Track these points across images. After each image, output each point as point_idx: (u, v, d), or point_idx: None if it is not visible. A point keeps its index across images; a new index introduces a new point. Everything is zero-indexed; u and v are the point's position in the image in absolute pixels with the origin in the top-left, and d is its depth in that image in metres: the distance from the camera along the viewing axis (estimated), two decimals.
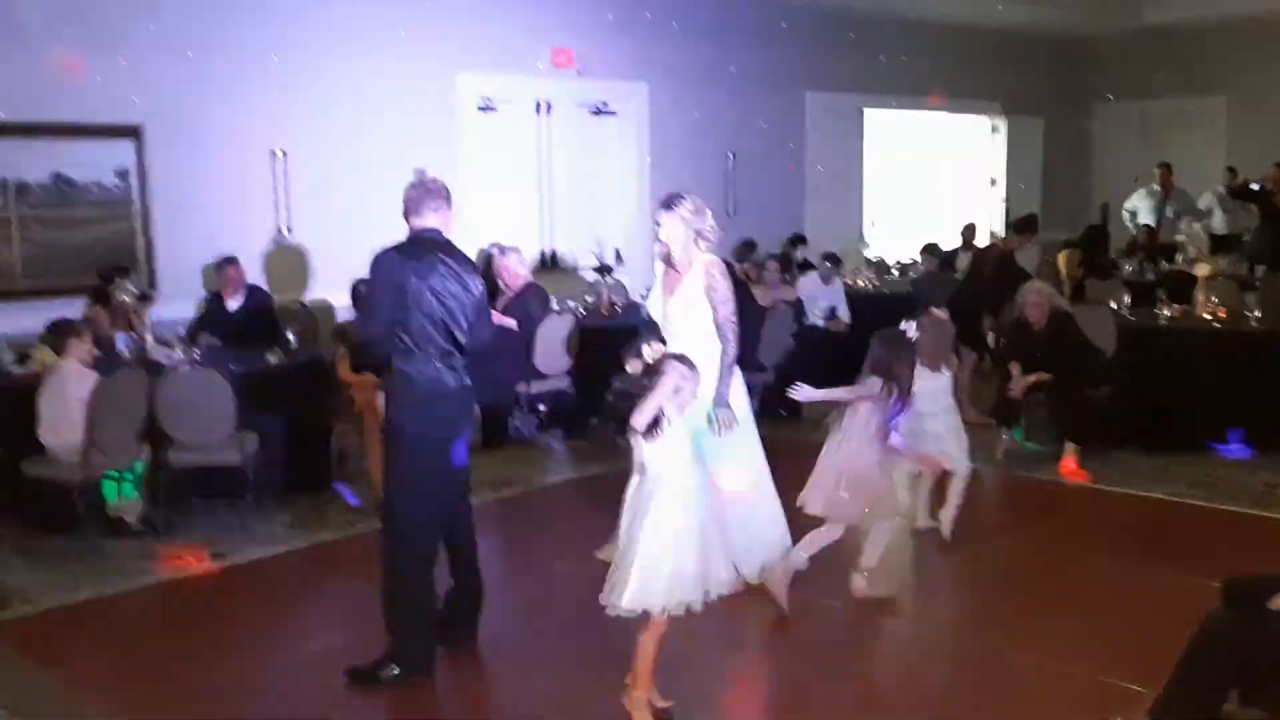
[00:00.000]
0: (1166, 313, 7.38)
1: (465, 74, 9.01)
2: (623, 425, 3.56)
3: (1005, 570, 5.24)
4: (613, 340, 5.17)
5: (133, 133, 7.44)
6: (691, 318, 4.78)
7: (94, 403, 5.43)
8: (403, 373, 4.00)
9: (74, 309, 6.77)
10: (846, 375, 9.05)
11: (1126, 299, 7.82)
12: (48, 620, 4.80)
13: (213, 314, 7.32)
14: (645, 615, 3.55)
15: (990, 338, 7.80)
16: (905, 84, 12.01)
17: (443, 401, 4.03)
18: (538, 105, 9.65)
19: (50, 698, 4.07)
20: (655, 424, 3.49)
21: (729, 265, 8.11)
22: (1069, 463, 6.58)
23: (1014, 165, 13.78)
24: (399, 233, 4.18)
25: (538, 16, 9.28)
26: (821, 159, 11.53)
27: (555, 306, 7.92)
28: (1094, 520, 5.99)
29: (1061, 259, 10.44)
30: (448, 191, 4.17)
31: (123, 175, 7.48)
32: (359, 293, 6.64)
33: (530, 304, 7.63)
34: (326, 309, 7.89)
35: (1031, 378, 6.57)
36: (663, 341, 3.68)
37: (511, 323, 7.24)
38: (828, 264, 9.32)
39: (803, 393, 4.73)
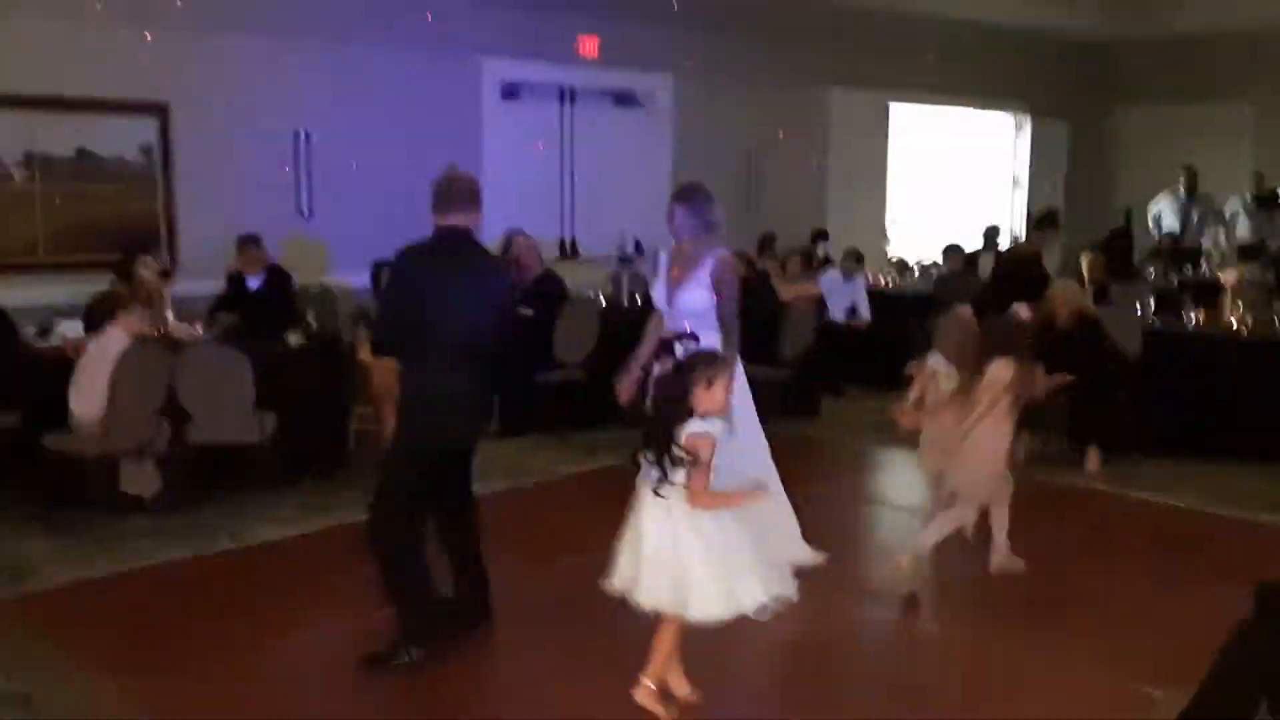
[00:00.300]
0: (1193, 319, 7.31)
1: (490, 59, 8.98)
2: (661, 455, 3.46)
3: (1026, 573, 5.19)
4: (633, 331, 5.15)
5: (158, 110, 7.44)
6: (699, 309, 4.75)
7: (115, 377, 5.42)
8: (417, 379, 3.96)
9: (95, 284, 6.78)
10: (866, 373, 9.15)
11: (1152, 304, 7.76)
12: (63, 594, 4.79)
13: (233, 293, 7.30)
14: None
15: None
16: (930, 81, 11.94)
17: (456, 410, 3.98)
18: (562, 93, 9.62)
19: (63, 672, 4.06)
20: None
21: (750, 260, 8.13)
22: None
23: (1037, 166, 13.70)
24: (420, 218, 4.13)
25: (565, 3, 9.24)
26: (845, 155, 11.46)
27: (574, 296, 7.89)
28: (1116, 525, 5.93)
29: (1085, 262, 10.36)
30: (478, 189, 4.09)
31: (146, 152, 7.48)
32: (379, 275, 6.64)
33: (546, 293, 7.61)
34: (346, 291, 7.87)
35: (1056, 379, 6.51)
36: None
37: (528, 311, 7.23)
38: (851, 260, 9.28)
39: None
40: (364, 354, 6.50)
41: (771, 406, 4.86)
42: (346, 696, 3.90)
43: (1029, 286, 7.08)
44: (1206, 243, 10.88)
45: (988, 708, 3.89)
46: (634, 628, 3.81)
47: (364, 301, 6.90)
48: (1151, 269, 10.52)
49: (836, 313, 9.10)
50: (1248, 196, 11.76)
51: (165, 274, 6.95)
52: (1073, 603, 4.81)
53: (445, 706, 3.87)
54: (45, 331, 6.33)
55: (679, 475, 3.43)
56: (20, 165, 6.99)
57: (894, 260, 11.30)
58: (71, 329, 6.30)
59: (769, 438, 4.94)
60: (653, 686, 3.66)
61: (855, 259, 9.38)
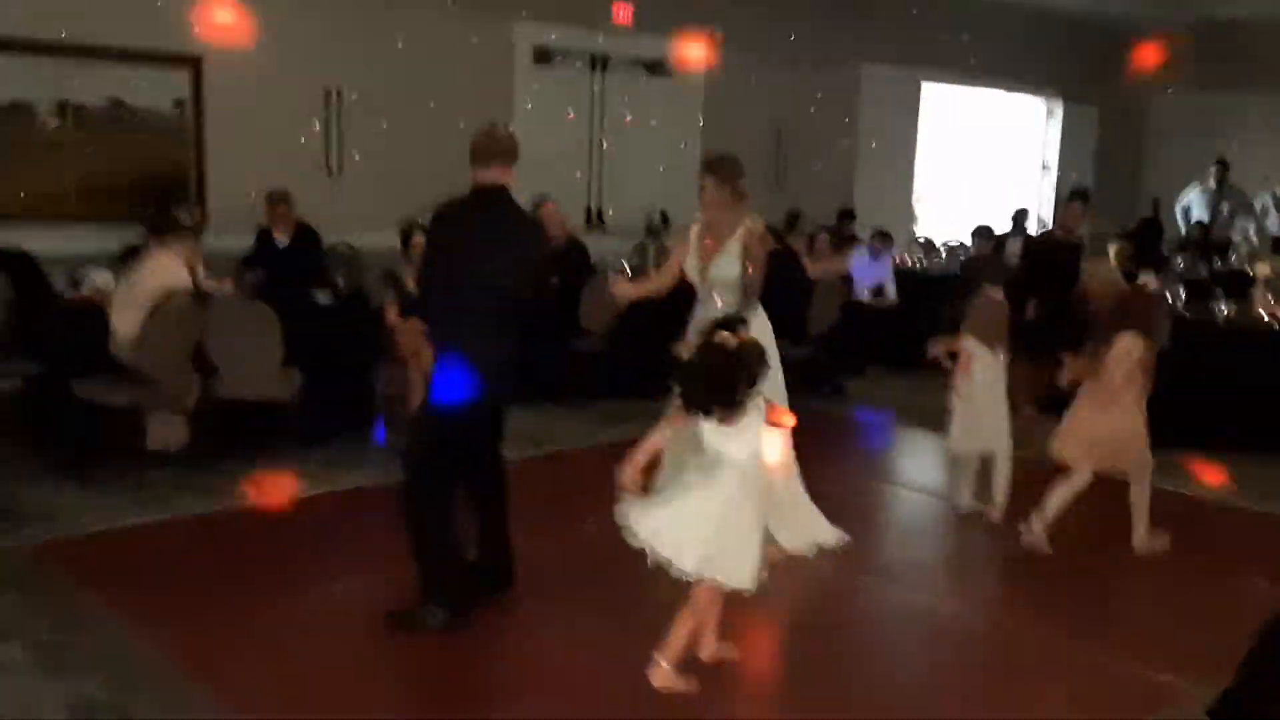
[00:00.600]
0: (1224, 310, 7.25)
1: (523, 23, 8.91)
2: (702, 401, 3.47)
3: (1049, 558, 5.18)
4: (659, 302, 5.14)
5: (192, 62, 7.41)
6: (731, 281, 4.73)
7: (145, 328, 5.43)
8: (453, 340, 3.94)
9: (125, 235, 6.79)
10: (888, 354, 9.10)
11: (1182, 294, 7.69)
12: (89, 542, 4.83)
13: (262, 249, 7.30)
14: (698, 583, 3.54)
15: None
16: (964, 62, 11.81)
17: (490, 370, 3.98)
18: (594, 60, 9.54)
19: (88, 618, 4.09)
20: (735, 406, 3.43)
21: (780, 235, 8.07)
22: None
23: (1067, 152, 13.57)
24: (448, 180, 4.10)
25: None
26: (875, 133, 11.36)
27: (600, 266, 7.87)
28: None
29: (1112, 251, 10.27)
30: (516, 146, 4.06)
31: (179, 104, 7.45)
32: (408, 236, 6.62)
33: (571, 262, 7.58)
34: (374, 251, 7.85)
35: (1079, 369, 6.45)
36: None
37: (553, 280, 7.20)
38: (878, 240, 9.22)
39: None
40: (391, 315, 6.50)
41: (794, 383, 4.84)
42: (370, 653, 3.92)
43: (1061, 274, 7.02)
44: (1236, 235, 10.78)
45: (1007, 689, 3.89)
46: (656, 594, 3.82)
47: (391, 262, 6.87)
48: (1180, 260, 10.43)
49: (862, 292, 9.06)
50: (1278, 191, 11.64)
51: (196, 228, 6.93)
52: (1096, 589, 4.81)
53: (468, 666, 3.89)
54: (75, 281, 6.33)
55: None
56: (53, 113, 6.98)
57: (921, 240, 11.23)
58: (101, 278, 6.31)
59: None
60: (667, 666, 3.65)
61: (883, 238, 9.32)
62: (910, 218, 11.94)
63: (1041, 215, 13.28)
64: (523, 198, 7.93)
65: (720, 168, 4.75)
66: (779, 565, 3.96)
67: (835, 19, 10.71)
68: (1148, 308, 5.12)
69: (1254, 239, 10.33)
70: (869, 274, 9.13)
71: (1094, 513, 5.90)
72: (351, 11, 7.93)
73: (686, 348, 4.53)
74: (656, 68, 9.94)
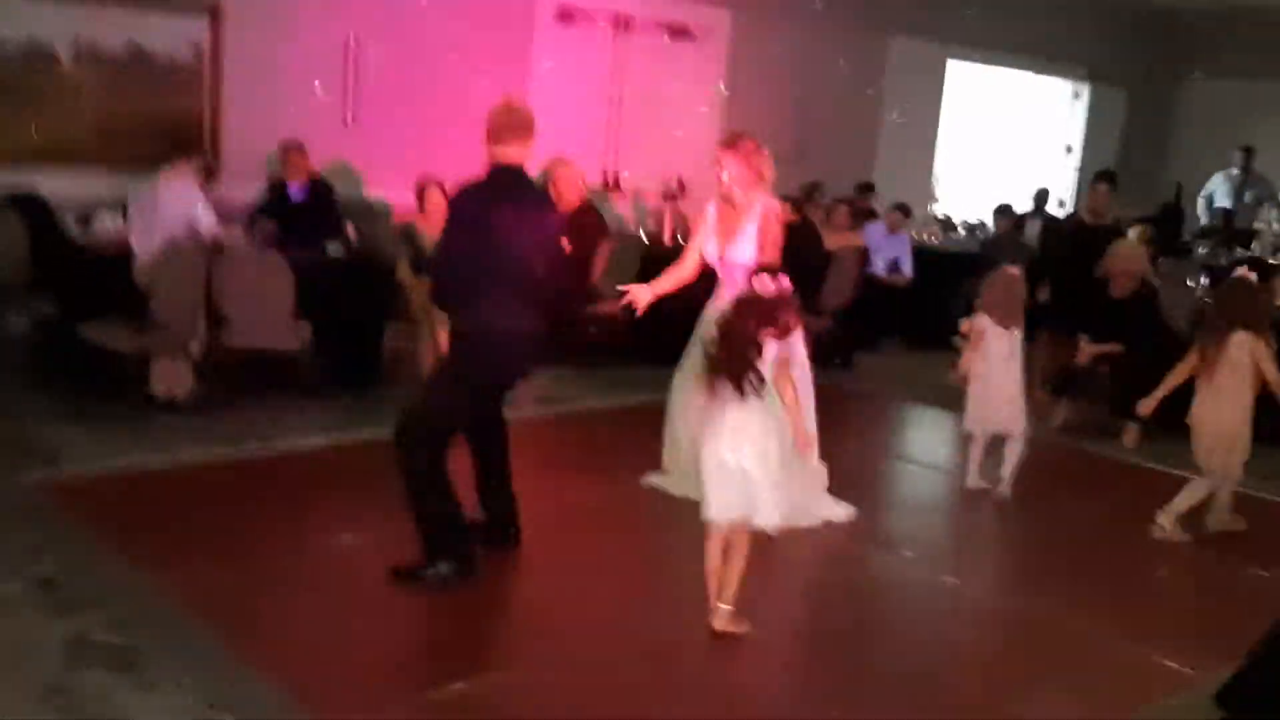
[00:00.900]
0: None
1: None
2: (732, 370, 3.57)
3: (1061, 540, 5.15)
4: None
5: (212, 9, 7.33)
6: (748, 262, 4.68)
7: (155, 274, 5.40)
8: (478, 316, 3.91)
9: (137, 180, 6.74)
10: (902, 329, 9.04)
11: (1204, 282, 7.60)
12: (93, 482, 4.81)
13: (275, 200, 7.24)
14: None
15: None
16: (992, 39, 11.66)
17: (516, 348, 3.99)
18: (616, 20, 9.42)
19: (89, 557, 4.09)
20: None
21: (799, 205, 8.00)
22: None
23: (1092, 135, 13.39)
24: (464, 137, 4.04)
25: None
26: (898, 107, 11.22)
27: (615, 230, 7.81)
28: (1153, 499, 5.83)
29: (1132, 235, 10.17)
30: (533, 121, 4.03)
31: (196, 52, 7.37)
32: (423, 193, 6.57)
33: (585, 225, 7.51)
34: (388, 206, 7.80)
35: (1102, 348, 6.39)
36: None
37: (564, 244, 7.14)
38: (897, 215, 9.13)
39: None
40: (403, 272, 6.46)
41: (808, 355, 4.80)
42: (375, 605, 3.90)
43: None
44: (1260, 223, 10.64)
45: (1015, 665, 3.86)
46: (661, 549, 3.81)
47: (405, 217, 6.82)
48: (1201, 247, 10.32)
49: (878, 267, 8.98)
50: None
51: (209, 176, 6.89)
52: (1106, 572, 4.77)
53: (473, 619, 3.88)
54: (86, 223, 6.30)
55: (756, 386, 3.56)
56: (70, 55, 6.91)
57: (940, 217, 11.12)
58: (113, 222, 6.28)
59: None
60: (728, 607, 3.73)
61: (902, 214, 9.23)
62: (929, 194, 11.80)
63: (1062, 197, 13.15)
64: (540, 160, 7.97)
65: (740, 146, 4.67)
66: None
67: None
68: (1253, 301, 4.99)
69: (1277, 227, 10.18)
70: (886, 249, 9.05)
71: (1107, 496, 5.87)
72: None
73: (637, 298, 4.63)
74: (679, 31, 9.81)
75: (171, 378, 5.78)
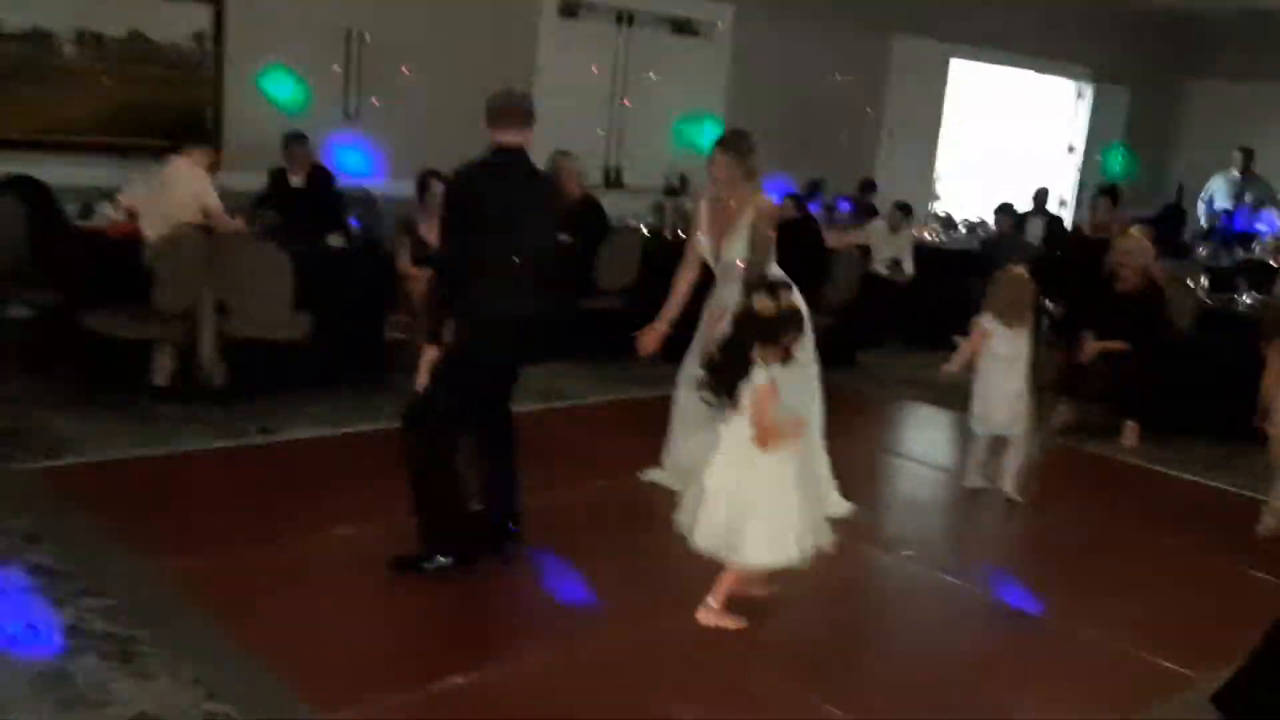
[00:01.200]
0: (1247, 300, 7.16)
1: None
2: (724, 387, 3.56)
3: (1060, 539, 5.14)
4: (675, 263, 5.08)
5: None
6: (744, 257, 4.68)
7: (156, 262, 5.39)
8: (480, 299, 3.89)
9: (139, 169, 6.72)
10: (902, 328, 9.02)
11: (1205, 282, 7.59)
12: (94, 471, 4.80)
13: (276, 190, 7.23)
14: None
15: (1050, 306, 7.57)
16: (995, 38, 11.64)
17: (516, 327, 3.96)
18: (619, 15, 9.40)
19: (89, 545, 4.08)
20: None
21: (800, 202, 7.98)
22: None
23: (1094, 134, 13.38)
24: (466, 130, 4.02)
25: None
26: (901, 106, 11.20)
27: (616, 225, 7.80)
28: (1152, 501, 5.85)
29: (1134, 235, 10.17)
30: (533, 108, 4.01)
31: (199, 40, 7.35)
32: (425, 185, 6.55)
33: (585, 219, 7.50)
34: (389, 197, 7.78)
35: (1106, 345, 6.37)
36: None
37: (564, 237, 7.12)
38: (899, 213, 9.12)
39: None
40: (403, 263, 6.45)
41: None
42: (373, 596, 3.90)
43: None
44: (1261, 224, 10.65)
45: (1011, 668, 3.85)
46: (663, 545, 3.80)
47: (407, 208, 6.81)
48: (1202, 248, 10.32)
49: (879, 265, 8.97)
50: None
51: (211, 164, 6.87)
52: (1104, 570, 4.76)
53: (474, 612, 3.87)
54: (88, 212, 6.28)
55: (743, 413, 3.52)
56: (72, 41, 6.89)
57: (940, 216, 11.11)
58: (115, 209, 6.26)
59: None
60: (715, 605, 3.73)
61: (904, 212, 9.21)
62: (931, 193, 11.79)
63: (1064, 196, 13.15)
64: (541, 153, 7.94)
65: (733, 144, 4.65)
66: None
67: None
68: None
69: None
70: (887, 247, 9.04)
71: (1107, 496, 5.86)
72: None
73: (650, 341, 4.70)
74: (683, 26, 9.79)
75: (174, 367, 5.78)
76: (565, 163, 7.66)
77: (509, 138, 3.91)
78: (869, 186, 10.40)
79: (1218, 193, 11.85)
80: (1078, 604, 4.32)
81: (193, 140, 5.90)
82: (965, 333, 5.43)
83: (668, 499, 4.87)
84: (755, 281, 3.63)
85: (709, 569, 3.81)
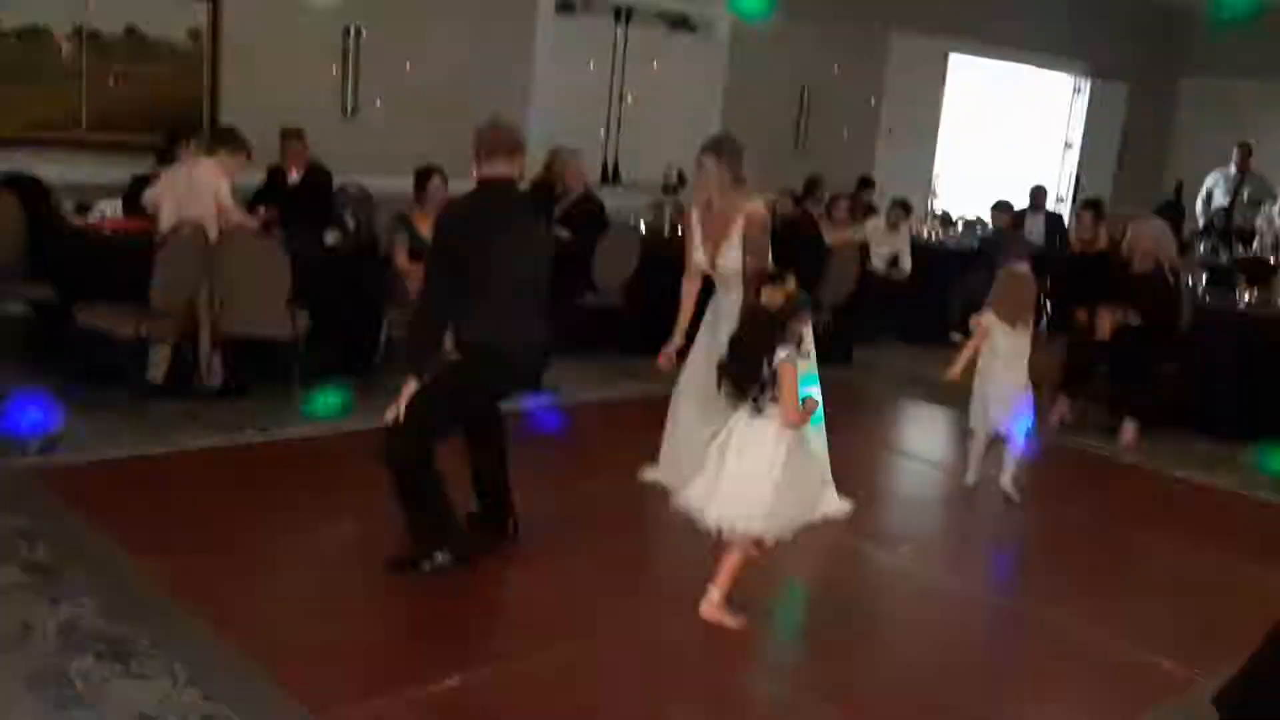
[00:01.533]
0: (1246, 298, 7.15)
1: None
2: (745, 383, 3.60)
3: (1059, 538, 5.14)
4: (672, 262, 5.07)
5: None
6: (739, 265, 4.66)
7: (158, 258, 5.37)
8: (480, 328, 3.88)
9: (135, 166, 6.70)
10: (899, 325, 9.02)
11: (1203, 279, 7.58)
12: (89, 469, 4.78)
13: (272, 186, 7.21)
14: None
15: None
16: (994, 33, 11.62)
17: (520, 360, 3.99)
18: (617, 12, 9.38)
19: (84, 543, 4.06)
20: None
21: (798, 199, 7.97)
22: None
23: (1092, 130, 13.37)
24: (463, 127, 4.00)
25: None
26: (899, 102, 11.18)
27: (614, 222, 7.78)
28: (1152, 500, 5.85)
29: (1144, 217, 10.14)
30: (522, 138, 4.03)
31: (195, 36, 7.32)
32: (424, 179, 6.53)
33: (586, 215, 7.49)
34: (386, 194, 7.76)
35: (1119, 317, 6.37)
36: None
37: (565, 234, 7.11)
38: (897, 211, 9.10)
39: None
40: (400, 259, 6.43)
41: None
42: (370, 596, 3.89)
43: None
44: (1260, 221, 10.63)
45: (1010, 669, 3.85)
46: (658, 543, 3.79)
47: (404, 205, 6.78)
48: (1201, 245, 10.30)
49: (877, 262, 8.96)
50: None
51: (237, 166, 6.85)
52: (1103, 573, 4.76)
53: (468, 613, 3.85)
54: (84, 208, 6.26)
55: (769, 400, 3.57)
56: (69, 38, 6.86)
57: (938, 213, 11.09)
58: (111, 207, 6.24)
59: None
60: (718, 597, 3.74)
61: (902, 209, 9.20)
62: (929, 190, 11.78)
63: (1060, 193, 13.14)
64: (542, 151, 7.94)
65: (721, 149, 4.62)
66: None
67: None
68: None
69: (1277, 223, 10.17)
70: (885, 244, 9.03)
71: (1105, 495, 5.86)
72: None
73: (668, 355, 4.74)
74: (681, 23, 9.77)
75: (168, 365, 5.76)
76: (569, 159, 7.65)
77: (499, 170, 3.92)
78: (867, 183, 10.39)
79: (1216, 189, 11.83)
80: (1077, 603, 4.32)
81: (226, 146, 5.88)
82: (966, 331, 5.42)
83: (665, 499, 4.88)
84: (757, 278, 3.63)
85: (706, 568, 3.81)
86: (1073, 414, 6.80)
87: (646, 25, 9.56)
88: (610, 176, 9.54)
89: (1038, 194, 10.74)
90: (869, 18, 10.72)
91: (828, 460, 4.87)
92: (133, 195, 6.37)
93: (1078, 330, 6.73)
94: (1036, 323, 5.58)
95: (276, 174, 7.26)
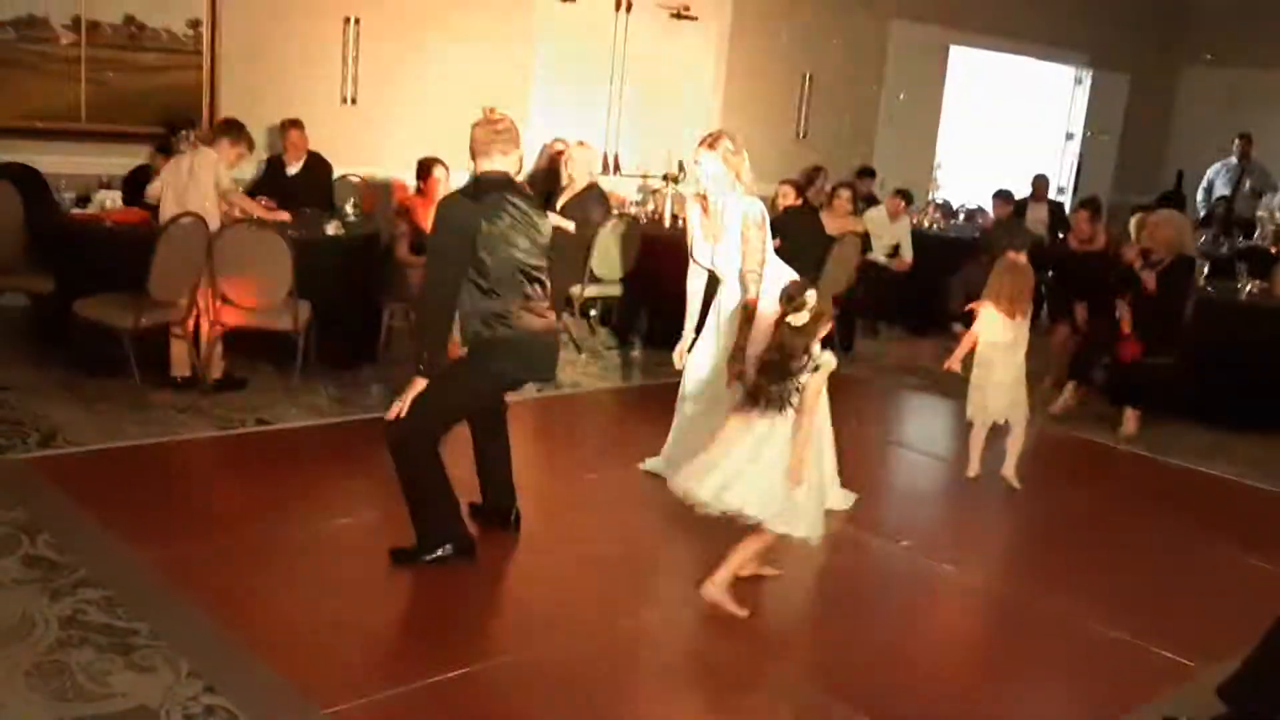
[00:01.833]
0: (1247, 288, 7.14)
1: None
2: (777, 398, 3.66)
3: (1060, 529, 5.13)
4: (673, 252, 5.06)
5: None
6: (737, 264, 4.65)
7: (159, 248, 5.35)
8: (485, 321, 3.87)
9: (134, 156, 6.69)
10: (900, 315, 9.01)
11: (1204, 270, 7.56)
12: (89, 459, 4.78)
13: (271, 177, 7.19)
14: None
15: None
16: (994, 24, 11.58)
17: (531, 351, 3.98)
18: (618, 1, 9.35)
19: (86, 534, 4.05)
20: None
21: (799, 189, 7.94)
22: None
23: (1093, 121, 13.33)
24: (464, 121, 4.00)
25: None
26: (900, 92, 11.15)
27: (615, 211, 7.76)
28: (1153, 489, 5.85)
29: (1133, 223, 10.13)
30: (516, 132, 4.00)
31: (194, 26, 7.30)
32: (426, 170, 6.52)
33: (590, 205, 7.47)
34: (387, 184, 7.75)
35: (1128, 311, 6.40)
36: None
37: (569, 225, 7.10)
38: (897, 199, 9.08)
39: None
40: (402, 251, 6.42)
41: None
42: (372, 589, 3.88)
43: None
44: (1261, 211, 10.61)
45: (1013, 660, 3.84)
46: (657, 535, 3.78)
47: (405, 196, 6.78)
48: (1202, 235, 10.27)
49: (878, 252, 8.94)
50: None
51: (240, 156, 6.82)
52: (1104, 559, 4.75)
53: (471, 603, 3.85)
54: (83, 199, 6.25)
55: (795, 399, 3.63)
56: (68, 28, 6.84)
57: (939, 202, 11.07)
58: (110, 198, 6.23)
59: None
60: (720, 582, 3.77)
61: (903, 199, 9.17)
62: (930, 179, 11.75)
63: (1061, 183, 13.11)
64: (543, 138, 7.92)
65: (718, 146, 4.60)
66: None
67: None
68: None
69: (1278, 213, 10.15)
70: (886, 234, 9.00)
71: (1106, 485, 5.86)
72: None
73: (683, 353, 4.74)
74: (682, 13, 9.74)
75: (169, 355, 5.75)
76: (580, 153, 7.64)
77: (491, 164, 3.91)
78: (868, 173, 10.36)
79: (1217, 180, 11.81)
80: (1078, 593, 4.32)
81: (228, 136, 5.87)
82: (966, 321, 5.41)
83: (668, 489, 4.88)
84: (784, 295, 3.68)
85: (710, 558, 3.81)
86: (1074, 402, 6.80)
87: (646, 13, 9.53)
88: (612, 167, 9.52)
89: (1039, 183, 10.72)
90: (869, 8, 10.69)
91: (834, 453, 4.87)
92: (133, 185, 6.36)
93: (1076, 326, 6.74)
94: (1035, 314, 5.58)
95: (275, 164, 7.25)
